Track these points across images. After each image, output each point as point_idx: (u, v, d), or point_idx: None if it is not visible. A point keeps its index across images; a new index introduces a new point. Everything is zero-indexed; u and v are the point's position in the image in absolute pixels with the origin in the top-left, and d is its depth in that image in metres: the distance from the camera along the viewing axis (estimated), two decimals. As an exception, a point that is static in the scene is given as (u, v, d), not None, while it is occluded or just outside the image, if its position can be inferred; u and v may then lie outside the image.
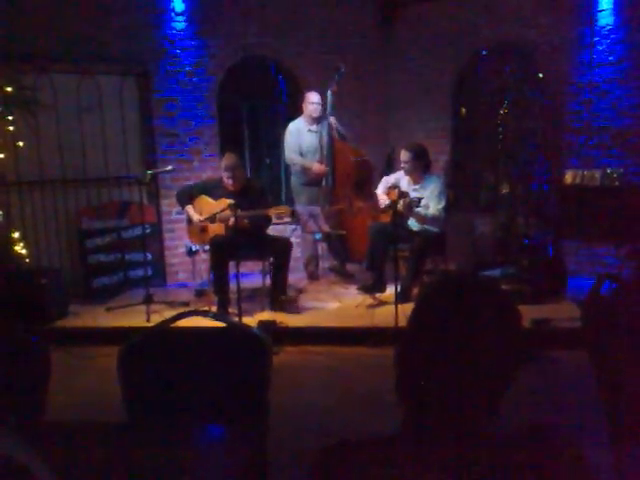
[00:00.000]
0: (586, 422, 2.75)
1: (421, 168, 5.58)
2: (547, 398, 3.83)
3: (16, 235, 5.63)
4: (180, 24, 6.39)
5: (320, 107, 6.16)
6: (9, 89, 5.41)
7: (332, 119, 6.16)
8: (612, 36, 6.03)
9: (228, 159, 5.44)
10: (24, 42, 5.65)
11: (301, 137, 6.21)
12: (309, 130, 6.22)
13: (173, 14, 6.35)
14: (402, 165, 5.64)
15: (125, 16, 6.09)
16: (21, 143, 5.66)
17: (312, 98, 6.19)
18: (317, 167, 6.15)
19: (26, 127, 5.61)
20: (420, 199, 5.29)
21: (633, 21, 5.89)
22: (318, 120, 6.18)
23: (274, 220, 5.51)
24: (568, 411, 3.53)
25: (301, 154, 6.22)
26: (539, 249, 6.09)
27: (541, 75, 6.68)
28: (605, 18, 6.05)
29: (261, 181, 6.80)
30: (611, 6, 5.99)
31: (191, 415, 2.07)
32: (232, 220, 5.08)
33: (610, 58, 6.06)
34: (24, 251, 5.62)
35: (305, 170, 6.20)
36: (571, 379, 4.05)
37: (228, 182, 5.39)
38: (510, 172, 7.01)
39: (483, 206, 7.21)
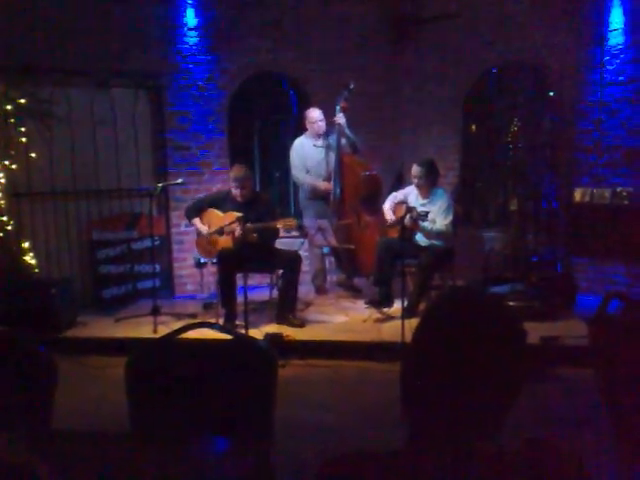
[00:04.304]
0: (593, 439, 2.73)
1: (431, 183, 5.61)
2: (553, 415, 3.81)
3: (26, 245, 5.68)
4: (193, 39, 6.46)
5: (324, 123, 6.14)
6: (22, 101, 5.47)
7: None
8: (622, 56, 6.03)
9: (237, 170, 5.47)
10: (40, 56, 5.72)
11: (306, 153, 6.21)
12: (314, 145, 6.20)
13: (186, 29, 6.42)
14: (413, 179, 5.66)
15: (139, 31, 6.17)
16: (34, 154, 5.72)
17: (314, 116, 6.12)
18: (325, 185, 6.17)
19: (39, 138, 5.67)
20: (427, 213, 5.31)
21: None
22: (323, 135, 6.19)
23: (282, 233, 5.52)
24: (575, 428, 3.51)
25: (307, 170, 6.22)
26: (548, 266, 6.08)
27: (551, 93, 6.69)
28: (616, 38, 6.06)
29: (270, 194, 6.81)
30: (622, 26, 6.00)
31: (196, 427, 2.08)
32: (239, 232, 5.10)
33: (620, 77, 6.06)
34: (34, 261, 5.66)
35: (312, 188, 6.22)
36: (579, 396, 4.02)
37: (236, 193, 5.41)
38: (520, 189, 7.00)
39: (493, 222, 7.20)
